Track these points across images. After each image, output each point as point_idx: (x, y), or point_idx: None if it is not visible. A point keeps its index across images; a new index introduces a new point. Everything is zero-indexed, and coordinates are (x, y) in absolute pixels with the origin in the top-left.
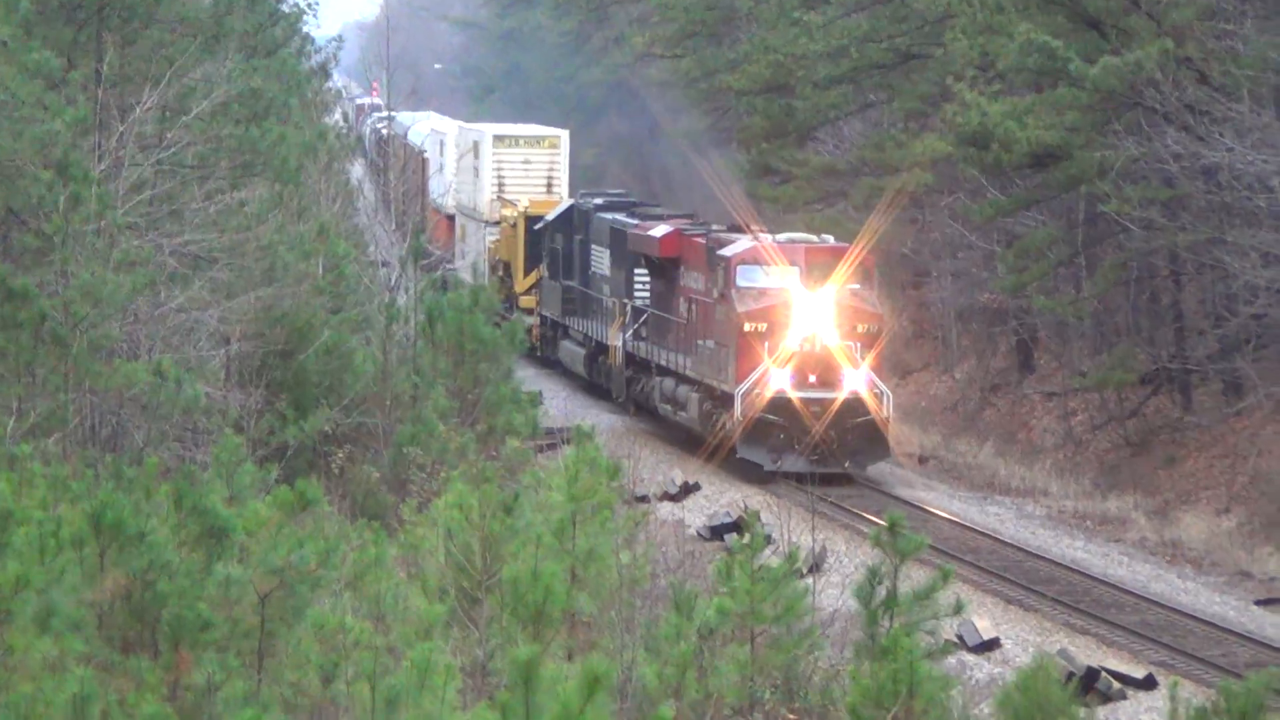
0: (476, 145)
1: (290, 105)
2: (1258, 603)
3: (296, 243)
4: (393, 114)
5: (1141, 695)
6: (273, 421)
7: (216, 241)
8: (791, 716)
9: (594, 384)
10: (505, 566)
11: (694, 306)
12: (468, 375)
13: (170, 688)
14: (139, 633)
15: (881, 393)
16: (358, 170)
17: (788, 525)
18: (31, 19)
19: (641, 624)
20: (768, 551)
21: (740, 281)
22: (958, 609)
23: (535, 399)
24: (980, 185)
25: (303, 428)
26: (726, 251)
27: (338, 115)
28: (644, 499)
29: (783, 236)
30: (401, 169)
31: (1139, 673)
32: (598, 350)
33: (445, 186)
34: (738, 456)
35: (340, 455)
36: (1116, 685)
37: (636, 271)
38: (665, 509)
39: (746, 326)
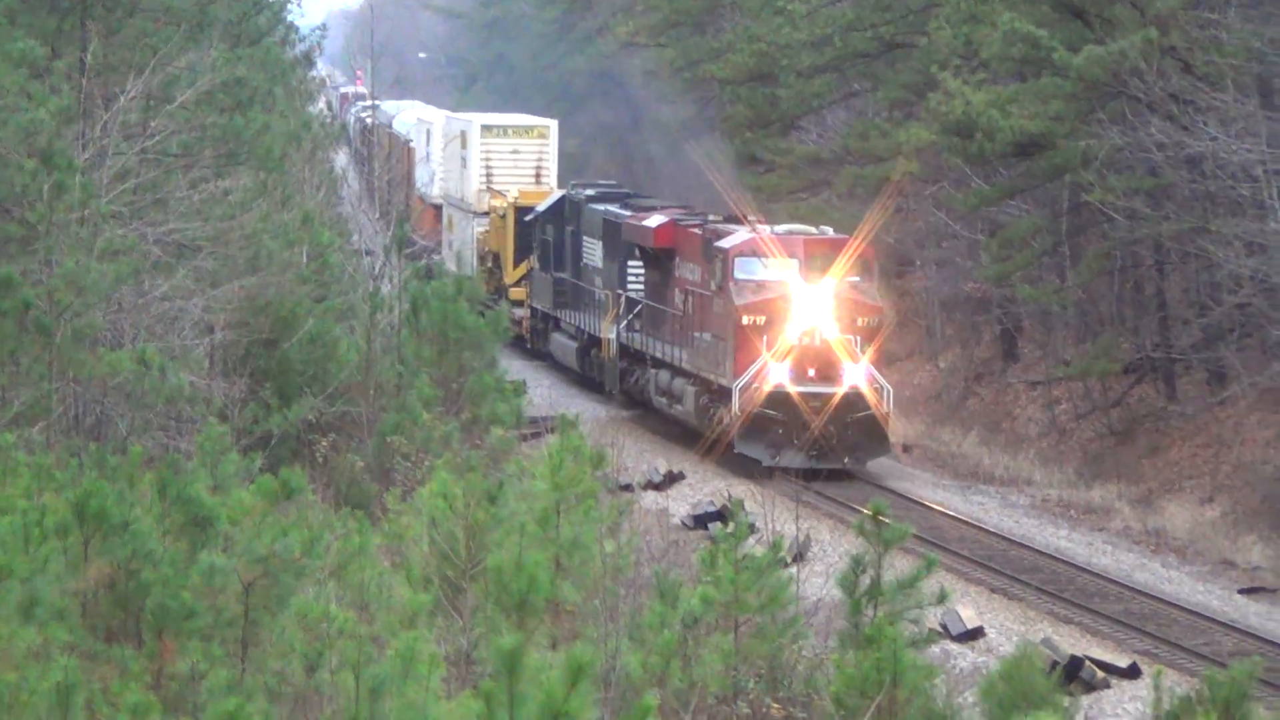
0: (464, 135)
1: (274, 94)
2: (1241, 591)
3: (281, 231)
4: (377, 103)
5: (1125, 684)
6: (257, 410)
7: (201, 230)
8: (775, 706)
9: (586, 377)
10: (489, 555)
11: (690, 298)
12: (452, 364)
13: (154, 676)
14: (123, 622)
15: (882, 387)
16: (342, 159)
17: (772, 514)
18: (15, 8)
19: (625, 613)
20: (752, 540)
21: (738, 274)
22: (942, 598)
23: (519, 388)
24: (964, 174)
25: (287, 416)
26: (724, 243)
27: (322, 104)
28: (628, 488)
29: (781, 228)
30: (386, 158)
31: (1123, 662)
32: (590, 343)
33: (431, 176)
34: (735, 452)
35: (324, 444)
36: (1100, 674)
37: (630, 263)
38: (649, 498)
39: (745, 319)
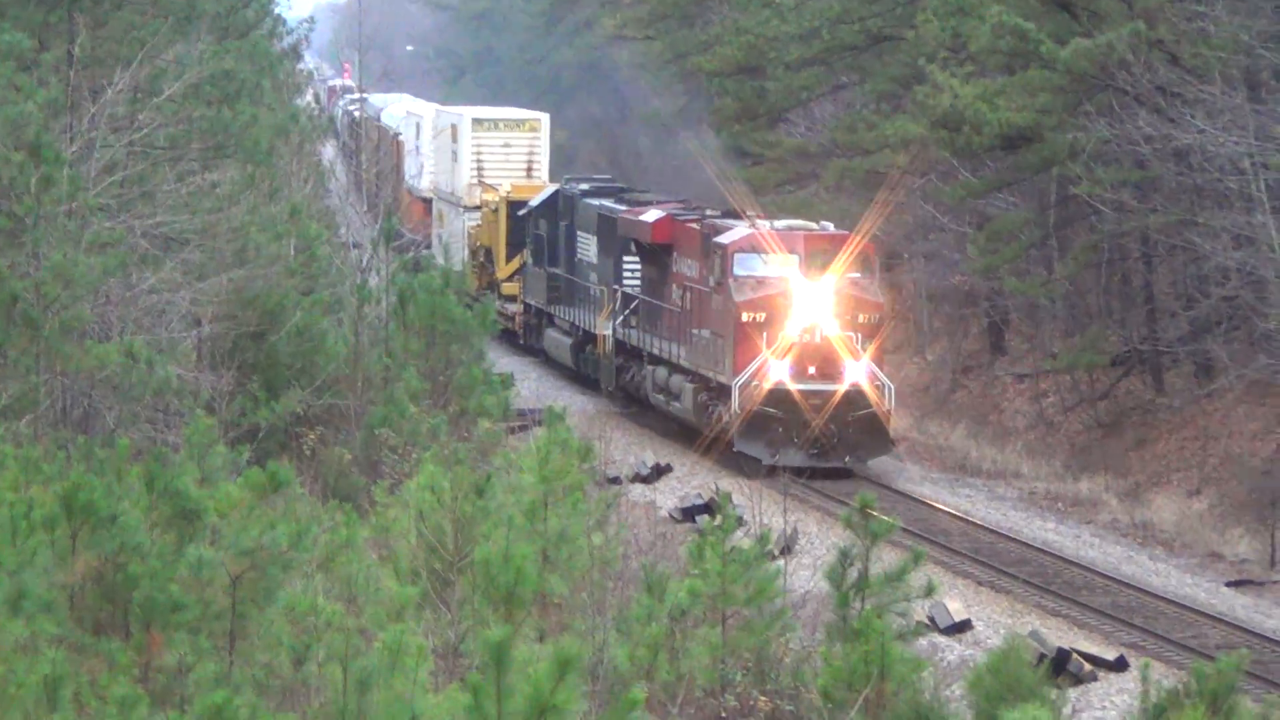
0: (455, 128)
1: (262, 87)
2: (1228, 584)
3: (268, 224)
4: (365, 96)
5: (1113, 677)
6: (244, 403)
7: (188, 223)
8: (763, 698)
9: (581, 374)
10: (477, 548)
11: (688, 294)
12: (439, 357)
13: (142, 669)
14: (110, 614)
15: (883, 385)
16: (329, 152)
17: (759, 507)
18: (3, 1)
19: (613, 606)
20: (739, 533)
21: (738, 270)
22: (929, 591)
23: (507, 381)
24: (952, 167)
25: (274, 409)
26: (723, 239)
27: (309, 97)
28: (616, 481)
29: (781, 224)
30: (374, 150)
31: (1110, 654)
32: (585, 339)
33: (420, 168)
34: (735, 450)
35: (312, 437)
36: (1088, 667)
37: (626, 258)
38: (637, 491)
39: (744, 316)
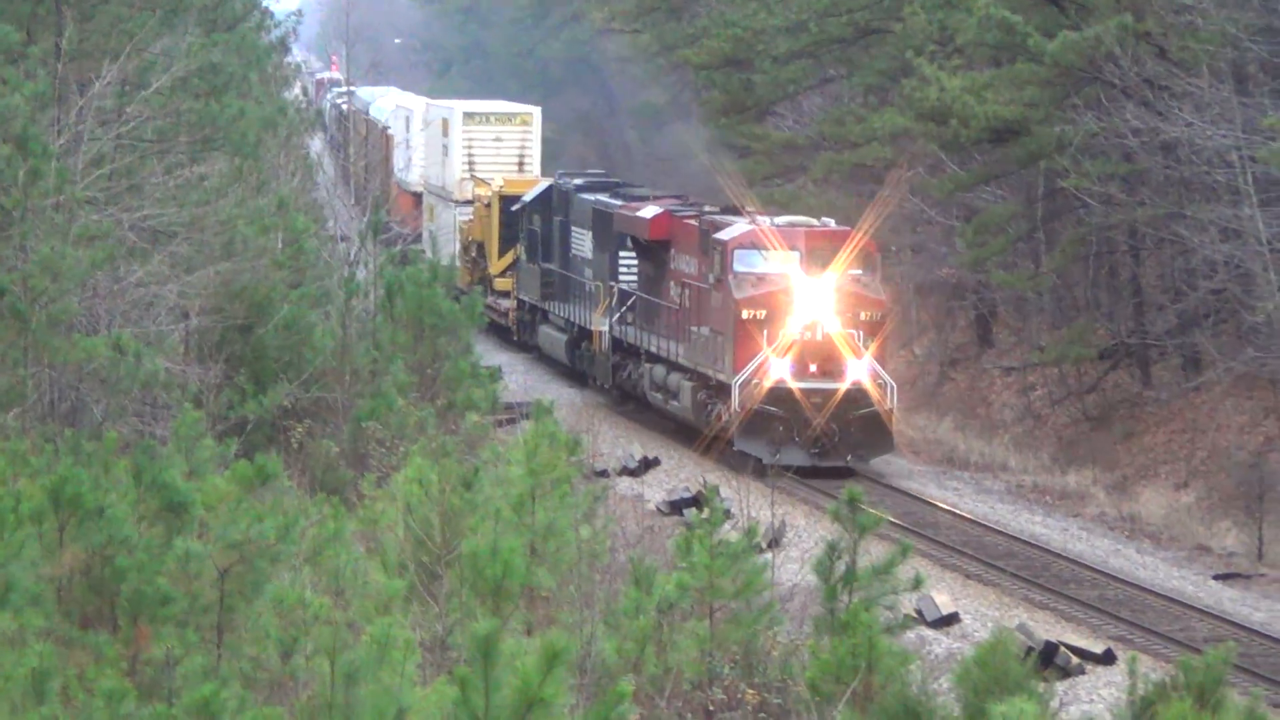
0: (446, 122)
1: (250, 80)
2: (1216, 577)
3: (256, 217)
4: (353, 89)
5: (1100, 670)
6: (232, 396)
7: (176, 216)
8: (751, 692)
9: (576, 370)
10: (464, 541)
11: (687, 291)
12: (427, 350)
13: (129, 662)
14: (98, 607)
15: (885, 383)
16: (317, 145)
17: (747, 500)
18: None
19: (601, 599)
20: (727, 526)
21: (738, 267)
22: (917, 584)
23: (495, 374)
24: (939, 160)
25: (262, 402)
26: (723, 235)
27: (297, 90)
28: (603, 474)
29: (782, 220)
30: (363, 144)
31: (1098, 647)
32: (580, 335)
33: (407, 162)
34: (735, 449)
35: (299, 430)
36: (1075, 660)
37: (622, 254)
38: (624, 484)
39: (744, 314)
